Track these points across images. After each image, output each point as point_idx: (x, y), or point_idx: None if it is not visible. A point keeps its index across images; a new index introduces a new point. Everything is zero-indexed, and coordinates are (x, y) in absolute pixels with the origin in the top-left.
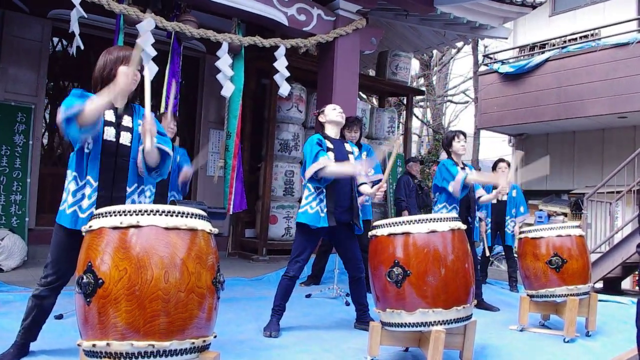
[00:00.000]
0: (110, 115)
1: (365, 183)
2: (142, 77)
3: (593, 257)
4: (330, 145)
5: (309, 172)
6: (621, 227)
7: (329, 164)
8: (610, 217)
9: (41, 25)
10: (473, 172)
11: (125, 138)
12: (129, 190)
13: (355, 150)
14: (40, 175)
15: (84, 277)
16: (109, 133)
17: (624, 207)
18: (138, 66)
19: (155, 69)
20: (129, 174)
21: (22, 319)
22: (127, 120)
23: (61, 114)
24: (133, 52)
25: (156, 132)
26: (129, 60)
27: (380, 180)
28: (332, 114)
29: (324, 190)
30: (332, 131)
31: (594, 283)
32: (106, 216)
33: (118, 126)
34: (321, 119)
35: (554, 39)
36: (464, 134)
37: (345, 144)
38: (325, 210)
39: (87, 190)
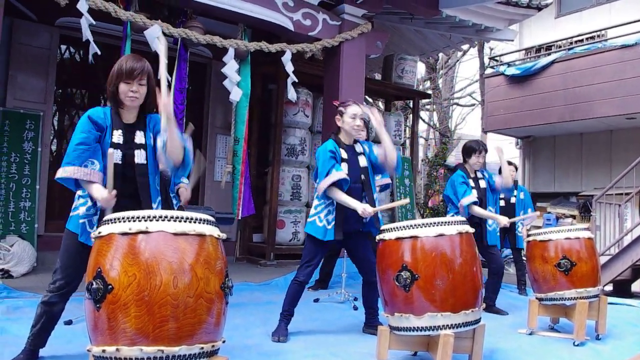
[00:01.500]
0: (117, 137)
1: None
2: (152, 84)
3: (602, 260)
4: (345, 155)
5: (321, 188)
6: (631, 229)
7: (338, 195)
8: (620, 219)
9: (49, 32)
10: (475, 208)
11: (140, 156)
12: (154, 206)
13: (366, 147)
14: (49, 182)
15: (94, 282)
16: (115, 156)
17: (633, 209)
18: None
19: (167, 76)
20: (151, 190)
21: (32, 325)
22: (139, 137)
23: (59, 170)
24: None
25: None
26: (130, 76)
27: (388, 185)
28: (348, 124)
29: (335, 202)
30: (345, 138)
31: (604, 286)
32: (115, 222)
33: (130, 144)
34: (338, 121)
35: (560, 40)
36: (486, 150)
37: (356, 146)
38: (332, 223)
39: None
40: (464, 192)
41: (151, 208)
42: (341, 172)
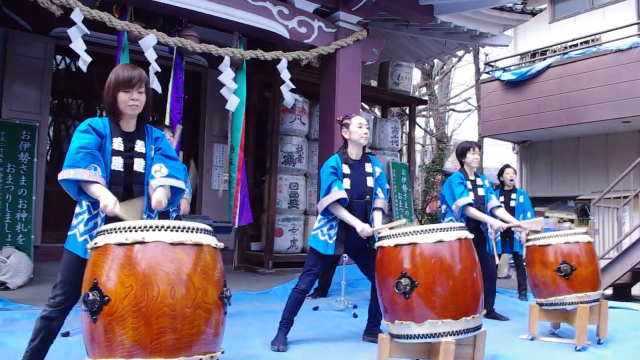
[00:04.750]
0: (118, 144)
1: (381, 208)
2: (149, 93)
3: (602, 264)
4: (347, 171)
5: (321, 207)
6: (629, 233)
7: (340, 211)
8: (618, 223)
9: (44, 43)
10: (471, 209)
11: (139, 165)
12: (144, 217)
13: (377, 170)
14: (46, 193)
15: (90, 294)
16: (117, 163)
17: (631, 212)
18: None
19: (158, 87)
20: (145, 199)
21: (30, 339)
22: (139, 145)
23: (63, 172)
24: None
25: (165, 204)
26: (129, 85)
27: (387, 191)
28: (356, 134)
29: (337, 218)
30: (353, 150)
31: (604, 290)
32: (111, 233)
33: (131, 152)
34: (344, 133)
35: (555, 45)
36: (479, 147)
37: (366, 164)
38: (334, 238)
39: (99, 220)
40: (461, 192)
41: (142, 217)
42: (342, 191)
